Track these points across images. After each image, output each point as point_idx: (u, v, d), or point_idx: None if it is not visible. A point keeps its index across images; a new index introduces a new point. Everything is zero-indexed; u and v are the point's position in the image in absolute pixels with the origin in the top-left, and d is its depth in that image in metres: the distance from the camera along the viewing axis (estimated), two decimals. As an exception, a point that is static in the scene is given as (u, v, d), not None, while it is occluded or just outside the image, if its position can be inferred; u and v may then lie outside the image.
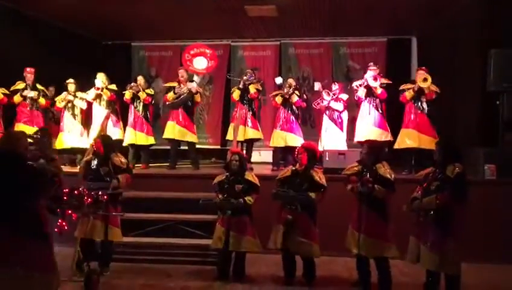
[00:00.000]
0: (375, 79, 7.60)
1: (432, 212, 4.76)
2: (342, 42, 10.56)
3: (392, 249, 5.26)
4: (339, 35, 10.38)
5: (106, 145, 5.84)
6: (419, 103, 7.39)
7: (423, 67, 7.54)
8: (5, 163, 3.79)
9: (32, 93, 8.12)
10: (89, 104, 8.51)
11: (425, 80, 7.20)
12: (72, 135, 8.37)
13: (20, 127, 8.05)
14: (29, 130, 7.81)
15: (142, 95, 8.30)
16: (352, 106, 8.65)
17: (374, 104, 7.71)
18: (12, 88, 8.12)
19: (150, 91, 8.49)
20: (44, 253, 3.94)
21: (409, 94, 7.39)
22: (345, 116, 8.25)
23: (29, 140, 4.82)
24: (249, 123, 8.19)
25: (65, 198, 4.98)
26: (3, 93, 8.01)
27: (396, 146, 7.57)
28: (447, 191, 4.68)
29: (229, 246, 5.63)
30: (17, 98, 8.12)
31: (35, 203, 3.94)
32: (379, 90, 7.62)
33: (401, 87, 7.55)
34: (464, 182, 4.75)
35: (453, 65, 8.49)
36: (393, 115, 8.00)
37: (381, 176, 5.27)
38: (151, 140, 8.49)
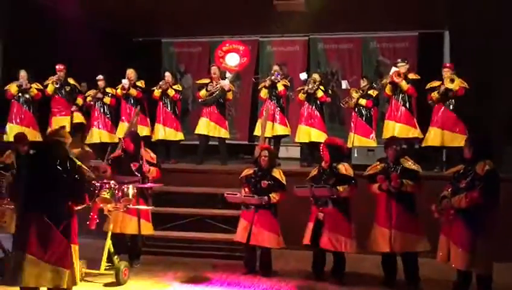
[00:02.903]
0: (398, 75, 7.48)
1: (462, 211, 4.66)
2: (372, 37, 10.39)
3: (423, 242, 5.29)
4: (368, 29, 10.21)
5: (135, 142, 5.94)
6: (447, 101, 7.23)
7: (447, 64, 7.39)
8: (51, 153, 4.00)
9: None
10: (118, 99, 8.65)
11: (452, 80, 7.03)
12: (102, 130, 8.55)
13: (57, 119, 8.30)
14: (66, 121, 8.09)
15: (171, 92, 8.38)
16: (382, 103, 8.53)
17: (402, 100, 7.58)
18: (45, 83, 8.36)
19: (178, 87, 8.56)
20: (61, 247, 4.07)
21: (434, 96, 7.26)
22: (374, 112, 8.12)
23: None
24: (277, 119, 8.17)
25: (96, 192, 5.13)
26: (37, 89, 8.27)
27: (423, 143, 7.46)
28: (477, 189, 4.57)
29: (250, 240, 5.65)
30: (50, 88, 8.34)
31: (67, 198, 4.07)
32: (405, 87, 7.48)
33: (428, 86, 7.41)
34: (495, 179, 4.63)
35: (487, 60, 8.25)
36: (425, 111, 7.83)
37: (408, 169, 5.31)
38: (180, 136, 8.57)
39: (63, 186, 4.03)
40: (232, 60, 8.51)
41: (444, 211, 4.81)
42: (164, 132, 8.43)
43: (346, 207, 5.60)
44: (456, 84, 7.03)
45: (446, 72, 7.21)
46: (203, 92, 8.24)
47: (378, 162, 5.62)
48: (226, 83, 8.14)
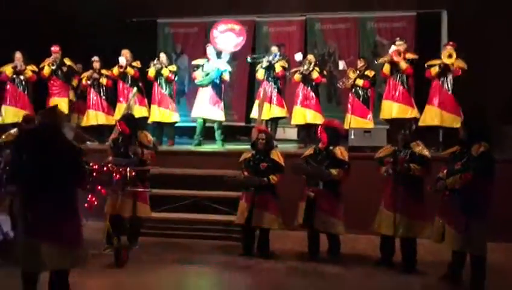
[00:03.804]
0: (398, 54, 7.45)
1: (457, 192, 4.69)
2: (369, 17, 10.29)
3: (428, 229, 5.24)
4: (366, 9, 10.13)
5: (130, 125, 5.93)
6: (445, 80, 7.24)
7: (450, 43, 7.37)
8: (49, 135, 3.95)
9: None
10: (114, 81, 8.60)
11: (450, 56, 7.06)
12: (98, 112, 8.52)
13: (55, 100, 8.26)
14: (64, 102, 8.07)
15: (165, 72, 8.31)
16: (379, 83, 8.51)
17: (400, 80, 7.56)
18: (41, 65, 8.29)
19: (173, 68, 8.49)
20: (74, 228, 4.09)
21: (434, 70, 7.25)
22: (371, 93, 8.11)
23: None
24: (274, 101, 8.16)
25: (95, 174, 5.14)
26: (32, 71, 8.21)
27: (420, 123, 7.48)
28: (471, 170, 4.60)
29: (251, 223, 5.71)
30: (46, 71, 8.30)
31: (71, 179, 4.08)
32: (403, 66, 7.46)
33: (427, 64, 7.41)
34: (489, 161, 4.66)
35: (484, 40, 8.22)
36: (422, 91, 7.83)
37: (418, 154, 5.26)
38: (175, 117, 8.54)
39: (66, 168, 4.02)
40: (228, 40, 8.42)
41: (439, 192, 4.85)
42: (159, 114, 8.40)
43: (337, 189, 5.64)
44: (453, 59, 7.01)
45: (446, 48, 7.20)
46: (198, 73, 8.19)
47: (389, 145, 5.62)
48: (222, 63, 8.08)
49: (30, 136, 4.21)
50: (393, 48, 7.57)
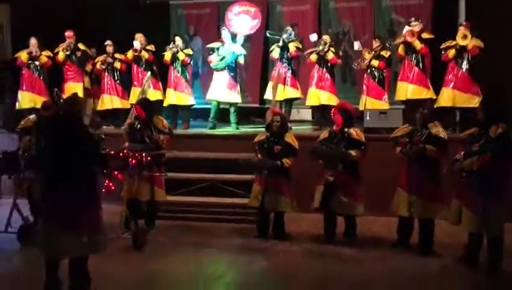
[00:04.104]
0: (411, 34, 7.31)
1: (474, 174, 4.64)
2: (384, -6, 10.09)
3: (444, 210, 5.23)
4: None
5: (146, 110, 5.95)
6: (461, 61, 7.11)
7: (464, 23, 7.20)
8: (70, 122, 4.00)
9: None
10: (129, 65, 8.62)
11: (464, 37, 6.91)
12: (113, 96, 8.56)
13: (70, 86, 8.36)
14: (78, 87, 8.15)
15: (181, 55, 8.31)
16: (395, 63, 8.37)
17: (415, 60, 7.44)
18: (55, 51, 8.33)
19: (188, 51, 8.47)
20: (94, 214, 4.16)
21: (450, 53, 7.13)
22: (387, 74, 7.98)
23: None
24: (289, 82, 8.10)
25: (112, 160, 5.20)
26: (47, 56, 8.26)
27: (436, 104, 7.36)
28: (489, 152, 4.54)
29: (264, 205, 5.73)
30: (61, 56, 8.36)
31: (91, 166, 4.14)
32: (418, 46, 7.33)
33: (442, 46, 7.27)
34: (507, 143, 4.58)
35: (503, 18, 8.01)
36: (440, 71, 7.70)
37: (434, 136, 5.21)
38: (191, 100, 8.55)
39: (86, 155, 4.07)
40: (243, 22, 8.35)
41: (456, 174, 4.81)
42: (175, 97, 8.41)
43: (356, 170, 5.62)
44: (469, 42, 6.89)
45: (460, 30, 7.06)
46: (213, 56, 8.16)
47: (407, 125, 5.56)
48: (237, 46, 8.02)
49: (51, 123, 4.27)
50: (406, 28, 7.43)
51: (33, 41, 8.21)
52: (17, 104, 8.34)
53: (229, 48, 8.04)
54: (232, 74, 8.15)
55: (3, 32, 8.69)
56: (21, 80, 8.35)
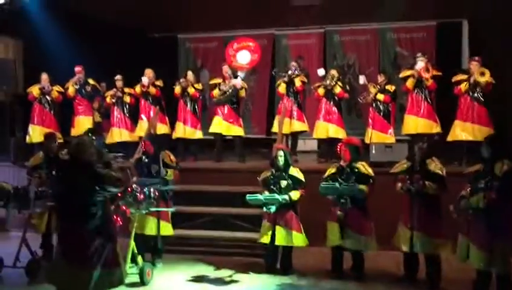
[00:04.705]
0: (427, 70, 7.40)
1: (481, 211, 4.66)
2: (388, 28, 10.27)
3: (447, 246, 5.29)
4: (385, 20, 10.11)
5: (153, 144, 6.05)
6: (476, 94, 7.17)
7: (476, 58, 7.27)
8: (82, 171, 4.09)
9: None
10: (137, 98, 8.78)
11: (482, 74, 6.95)
12: (122, 129, 8.70)
13: (80, 119, 8.54)
14: (88, 121, 8.34)
15: (191, 90, 8.46)
16: (400, 97, 8.46)
17: (423, 95, 7.53)
18: (65, 86, 8.54)
19: (198, 86, 8.62)
20: (111, 250, 4.20)
21: (464, 87, 7.17)
22: (392, 107, 8.07)
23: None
24: (295, 115, 8.20)
25: (120, 195, 5.27)
26: (58, 91, 8.45)
27: (449, 138, 7.39)
28: (495, 190, 4.57)
29: (275, 241, 5.74)
30: (71, 90, 8.55)
31: (103, 205, 4.21)
32: (429, 82, 7.43)
33: (454, 79, 7.32)
34: None
35: (506, 50, 8.11)
36: (443, 106, 7.78)
37: (432, 172, 5.27)
38: (199, 134, 8.65)
39: (97, 197, 4.14)
40: (243, 57, 8.57)
41: (463, 211, 4.82)
42: (184, 130, 8.53)
43: (365, 206, 5.65)
44: (487, 77, 6.95)
45: (475, 66, 7.13)
46: (215, 92, 8.34)
47: (405, 160, 5.62)
48: (238, 82, 8.19)
49: (61, 170, 4.38)
50: (420, 64, 7.49)
51: (44, 76, 8.41)
52: (27, 137, 8.50)
53: (230, 83, 8.20)
54: (234, 108, 8.29)
55: (15, 66, 8.89)
56: (32, 113, 8.53)
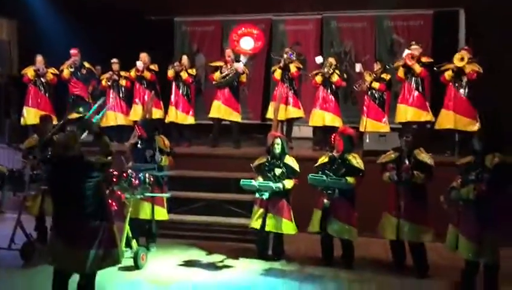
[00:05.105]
0: (411, 58, 7.45)
1: (471, 202, 4.73)
2: (385, 15, 10.24)
3: (429, 233, 5.43)
4: (383, 7, 10.07)
5: (149, 129, 6.07)
6: (459, 84, 7.25)
7: (465, 47, 7.34)
8: (70, 165, 4.14)
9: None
10: (132, 82, 8.76)
11: (461, 59, 7.05)
12: (118, 113, 8.69)
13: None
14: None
15: (184, 75, 8.43)
16: (396, 85, 8.49)
17: (415, 83, 7.58)
18: (60, 68, 8.49)
19: (192, 72, 8.59)
20: (106, 231, 4.26)
21: (448, 75, 7.26)
22: (387, 96, 8.09)
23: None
24: (290, 101, 8.23)
25: (115, 180, 5.32)
26: (53, 73, 8.41)
27: (436, 126, 7.51)
28: (485, 182, 4.63)
29: (265, 227, 5.82)
30: (66, 73, 8.52)
31: (97, 187, 4.25)
32: (418, 70, 7.47)
33: (440, 68, 7.40)
34: (503, 173, 4.66)
35: (503, 40, 8.13)
36: (439, 94, 7.82)
37: (421, 162, 5.37)
38: (191, 119, 8.65)
39: (90, 183, 4.18)
40: (247, 43, 8.55)
41: (453, 202, 4.89)
42: (176, 115, 8.53)
43: (352, 196, 5.73)
44: (467, 65, 7.01)
45: (460, 52, 7.20)
46: (217, 75, 8.31)
47: (392, 151, 5.68)
48: (240, 66, 8.18)
49: (51, 162, 4.42)
50: (406, 51, 7.58)
51: (39, 58, 8.36)
52: (22, 119, 8.48)
53: (232, 66, 8.18)
54: (234, 93, 8.28)
55: (10, 48, 8.82)
56: (27, 96, 8.50)
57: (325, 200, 5.60)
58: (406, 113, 7.60)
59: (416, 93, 7.57)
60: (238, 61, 8.29)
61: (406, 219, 5.38)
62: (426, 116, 7.60)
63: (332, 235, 5.73)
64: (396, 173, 5.38)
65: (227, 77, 8.21)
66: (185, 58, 8.62)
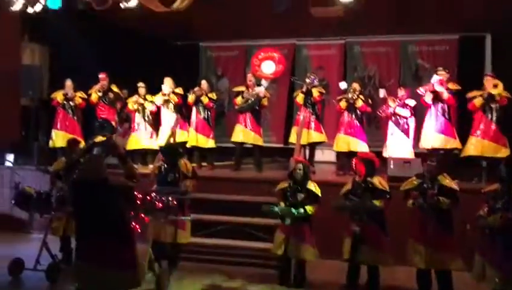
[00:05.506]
0: (441, 84, 7.38)
1: (498, 231, 4.63)
2: (410, 40, 10.25)
3: (457, 261, 5.29)
4: (407, 32, 10.08)
5: (171, 154, 6.15)
6: (488, 110, 7.14)
7: (490, 74, 7.24)
8: (95, 188, 4.21)
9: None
10: (158, 107, 8.92)
11: (495, 86, 6.93)
12: (142, 136, 8.85)
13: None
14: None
15: (205, 99, 8.56)
16: (420, 111, 8.41)
17: (441, 109, 7.50)
18: (89, 92, 8.73)
19: (212, 96, 8.70)
20: (128, 253, 4.30)
21: (478, 101, 7.15)
22: (411, 122, 8.02)
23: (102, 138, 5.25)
24: (313, 126, 8.22)
25: (138, 203, 5.38)
26: (81, 97, 8.65)
27: (463, 154, 7.37)
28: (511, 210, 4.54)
29: (288, 253, 5.77)
30: (94, 97, 8.76)
31: (120, 210, 4.31)
32: (446, 96, 7.40)
33: (469, 95, 7.30)
34: None
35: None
36: (464, 121, 7.73)
37: (446, 187, 5.31)
38: (211, 143, 8.69)
39: (117, 210, 4.25)
40: (268, 67, 8.65)
41: (480, 230, 4.79)
42: (197, 139, 8.61)
43: (382, 220, 5.64)
44: (500, 89, 6.92)
45: (488, 81, 7.12)
46: (239, 99, 8.41)
47: (414, 177, 5.61)
48: (261, 90, 8.26)
49: (76, 184, 4.50)
50: (436, 77, 7.49)
51: (68, 82, 8.60)
52: (50, 142, 8.70)
53: (254, 91, 8.28)
54: (255, 117, 8.36)
55: (41, 73, 9.12)
56: (55, 119, 8.72)
57: (355, 227, 5.52)
58: (433, 139, 7.51)
59: (443, 119, 7.49)
60: (259, 85, 8.37)
61: (433, 247, 5.25)
62: (453, 143, 7.50)
63: (363, 263, 5.63)
64: (421, 199, 5.29)
65: (249, 102, 8.30)
66: (204, 83, 8.75)
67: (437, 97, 7.50)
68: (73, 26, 8.58)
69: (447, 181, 5.37)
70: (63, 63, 9.00)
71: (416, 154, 7.80)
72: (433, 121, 7.56)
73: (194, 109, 8.71)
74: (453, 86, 7.52)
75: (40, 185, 6.48)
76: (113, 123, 8.78)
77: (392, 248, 5.66)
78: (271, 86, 10.79)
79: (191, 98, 8.63)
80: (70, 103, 8.66)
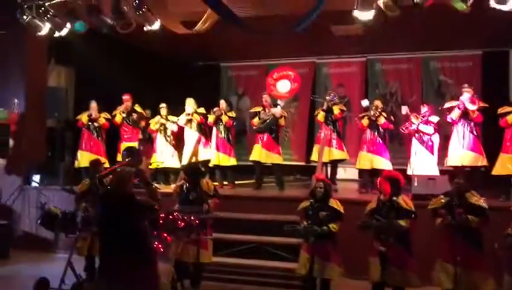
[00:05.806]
0: (473, 102, 7.26)
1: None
2: (432, 56, 10.17)
3: (490, 282, 5.13)
4: (429, 49, 10.01)
5: (192, 173, 6.18)
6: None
7: None
8: (121, 203, 4.27)
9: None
10: (181, 127, 9.02)
11: None
12: (164, 156, 8.93)
13: (125, 145, 8.76)
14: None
15: (224, 118, 8.67)
16: (444, 128, 8.31)
17: (469, 126, 7.39)
18: (113, 113, 8.89)
19: (232, 114, 8.82)
20: (150, 272, 4.31)
21: (510, 118, 6.98)
22: (435, 139, 7.92)
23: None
24: (334, 144, 8.20)
25: (161, 222, 5.41)
26: (105, 118, 8.81)
27: (494, 172, 7.15)
28: None
29: (313, 273, 5.70)
30: (118, 118, 8.92)
31: (145, 231, 4.35)
32: (475, 114, 7.28)
33: (500, 111, 7.14)
34: None
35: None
36: (489, 138, 7.58)
37: (474, 205, 5.17)
38: (233, 161, 8.77)
39: (141, 227, 4.28)
40: (283, 86, 8.69)
41: (508, 249, 4.65)
42: (218, 158, 8.68)
43: (408, 240, 5.53)
44: None
45: None
46: (256, 120, 8.47)
47: (442, 196, 5.51)
48: (277, 110, 8.30)
49: (103, 199, 4.56)
50: (466, 95, 7.38)
51: (93, 104, 8.79)
52: (75, 162, 8.86)
53: (270, 111, 8.31)
54: (273, 136, 8.37)
55: (67, 94, 9.34)
56: (80, 139, 8.89)
57: (381, 247, 5.42)
58: (461, 157, 7.39)
59: (471, 136, 7.38)
60: (275, 105, 8.40)
61: (464, 267, 5.09)
62: (482, 160, 7.37)
63: (391, 284, 5.50)
64: (450, 218, 5.18)
65: (266, 122, 8.34)
66: (222, 102, 8.87)
67: (464, 114, 7.38)
68: (98, 49, 8.77)
69: (475, 199, 5.24)
70: (87, 85, 9.20)
71: (440, 172, 7.67)
72: (461, 138, 7.44)
73: (214, 129, 8.80)
74: (482, 104, 7.40)
75: (65, 205, 6.57)
76: (137, 143, 8.90)
77: (417, 268, 5.55)
78: (292, 104, 10.85)
79: (211, 118, 8.74)
80: (95, 124, 8.84)
